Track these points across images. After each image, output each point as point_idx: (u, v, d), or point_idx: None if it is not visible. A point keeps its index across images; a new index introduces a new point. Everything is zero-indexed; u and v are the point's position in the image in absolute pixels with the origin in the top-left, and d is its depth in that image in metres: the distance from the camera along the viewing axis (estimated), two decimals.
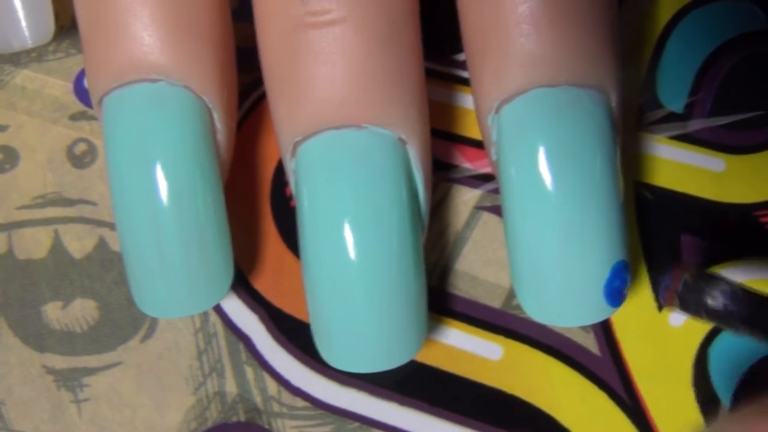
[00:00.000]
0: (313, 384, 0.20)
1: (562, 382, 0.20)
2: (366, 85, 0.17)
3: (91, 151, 0.21)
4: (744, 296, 0.17)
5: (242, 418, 0.20)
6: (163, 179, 0.17)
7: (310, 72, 0.17)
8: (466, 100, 0.21)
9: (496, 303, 0.20)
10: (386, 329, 0.18)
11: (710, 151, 0.21)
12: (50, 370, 0.21)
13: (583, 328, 0.20)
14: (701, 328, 0.20)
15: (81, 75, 0.21)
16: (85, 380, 0.20)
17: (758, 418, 0.12)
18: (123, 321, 0.21)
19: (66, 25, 0.22)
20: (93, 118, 0.21)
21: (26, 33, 0.20)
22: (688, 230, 0.20)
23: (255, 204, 0.21)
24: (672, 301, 0.18)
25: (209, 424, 0.20)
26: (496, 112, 0.18)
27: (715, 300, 0.17)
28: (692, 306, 0.17)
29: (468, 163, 0.21)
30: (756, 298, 0.16)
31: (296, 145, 0.18)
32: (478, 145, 0.21)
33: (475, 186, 0.21)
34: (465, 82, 0.21)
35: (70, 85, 0.21)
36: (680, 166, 0.21)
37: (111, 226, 0.21)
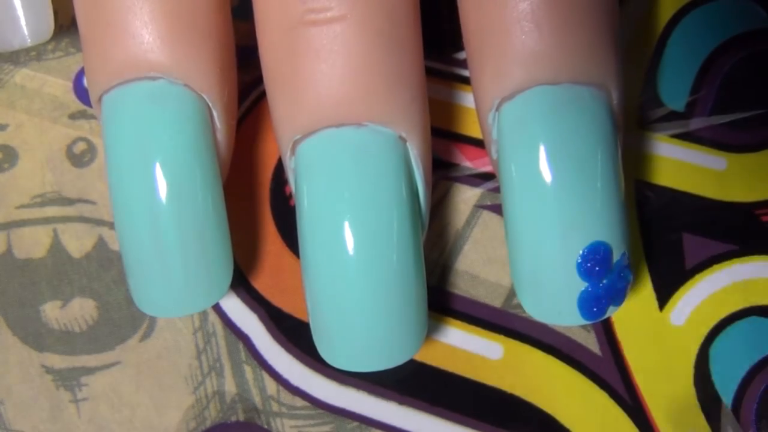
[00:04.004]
0: (312, 383, 0.20)
1: (563, 382, 0.20)
2: (366, 83, 0.17)
3: (91, 150, 0.21)
4: None
5: (241, 417, 0.20)
6: (163, 178, 0.17)
7: (310, 70, 0.17)
8: (467, 99, 0.21)
9: (496, 302, 0.20)
10: (386, 328, 0.17)
11: (712, 149, 0.21)
12: (49, 370, 0.20)
13: (584, 327, 0.20)
14: (703, 327, 0.20)
15: (80, 74, 0.21)
16: (84, 380, 0.20)
17: None
18: (122, 320, 0.21)
19: (65, 24, 0.22)
20: (92, 117, 0.21)
21: (25, 31, 0.20)
22: (689, 229, 0.20)
23: (254, 203, 0.21)
24: None
25: (208, 423, 0.20)
26: (497, 110, 0.18)
27: None
28: None
29: (468, 161, 0.21)
30: None
31: (296, 143, 0.18)
32: (479, 143, 0.21)
33: (475, 184, 0.21)
34: (465, 80, 0.21)
35: (70, 84, 0.21)
36: (681, 164, 0.20)
37: (110, 225, 0.21)
